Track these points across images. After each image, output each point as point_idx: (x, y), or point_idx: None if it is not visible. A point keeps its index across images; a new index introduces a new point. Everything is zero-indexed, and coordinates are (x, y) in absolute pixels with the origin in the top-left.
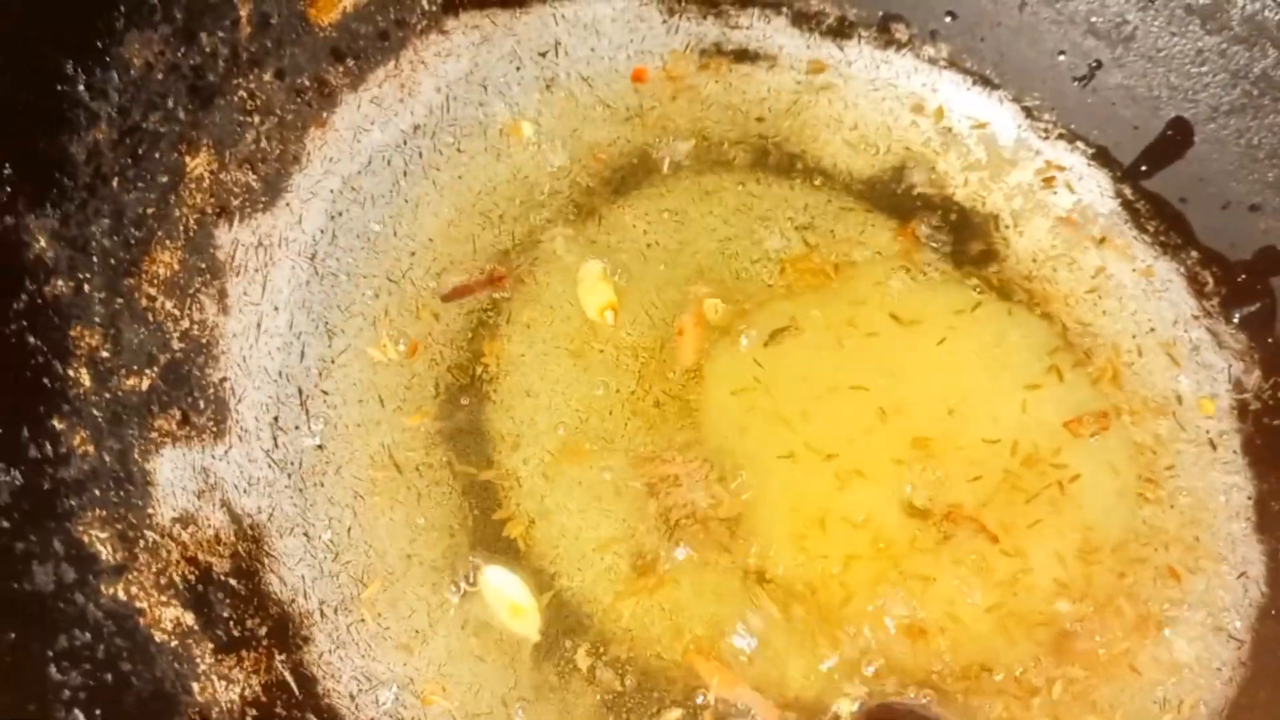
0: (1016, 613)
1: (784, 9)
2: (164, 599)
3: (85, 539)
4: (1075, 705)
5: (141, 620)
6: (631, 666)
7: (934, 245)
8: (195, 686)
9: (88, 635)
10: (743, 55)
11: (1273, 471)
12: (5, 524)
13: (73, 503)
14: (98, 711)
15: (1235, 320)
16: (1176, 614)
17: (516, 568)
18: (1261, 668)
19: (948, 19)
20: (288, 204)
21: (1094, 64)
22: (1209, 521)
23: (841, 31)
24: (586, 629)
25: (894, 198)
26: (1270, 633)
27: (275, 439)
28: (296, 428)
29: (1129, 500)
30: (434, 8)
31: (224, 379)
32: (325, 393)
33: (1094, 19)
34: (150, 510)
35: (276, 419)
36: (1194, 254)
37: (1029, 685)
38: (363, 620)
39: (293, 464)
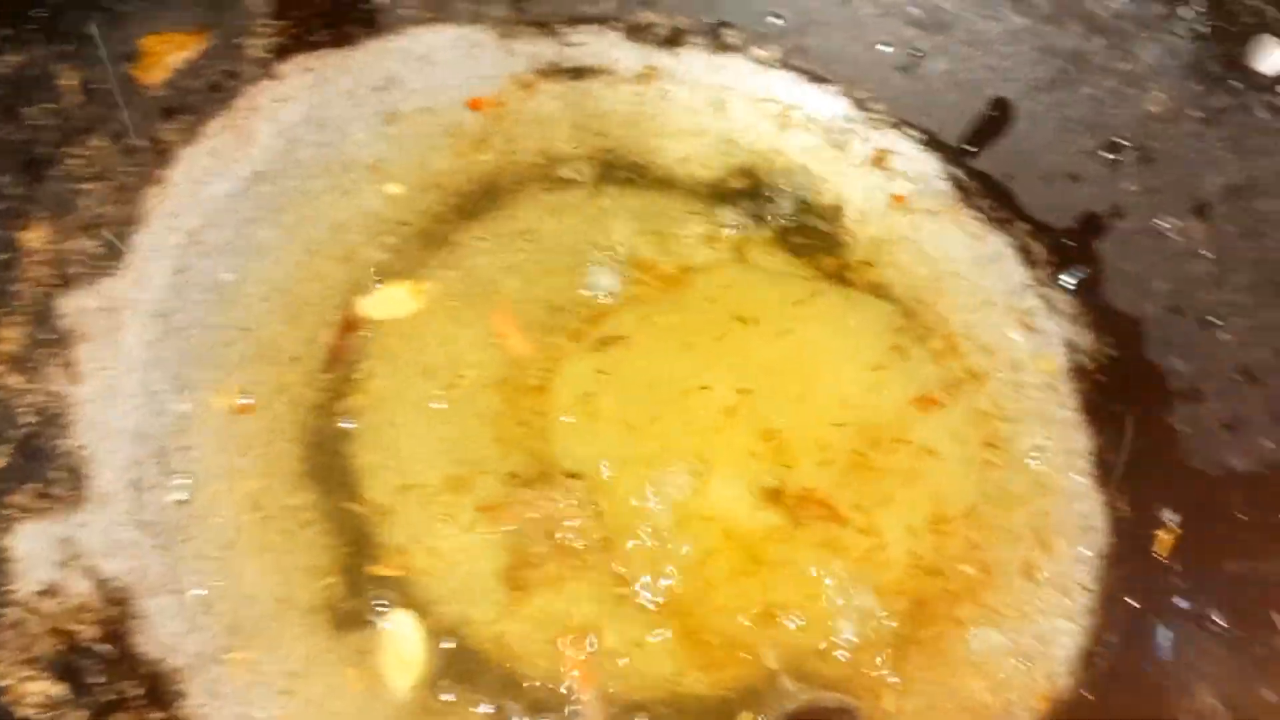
0: (872, 587)
1: (616, 23)
2: (30, 674)
3: None
4: (934, 665)
5: (5, 698)
6: (512, 684)
7: (777, 241)
8: None
9: None
10: (580, 72)
11: (1109, 426)
12: None
13: None
14: None
15: (1066, 286)
16: (1028, 570)
17: (395, 600)
18: (1109, 615)
19: (775, 20)
20: (132, 265)
21: (916, 53)
22: (1053, 479)
23: (674, 40)
24: (466, 652)
25: (736, 198)
26: (1115, 579)
27: (137, 500)
28: (158, 486)
29: (976, 467)
30: (264, 55)
31: (80, 446)
32: (185, 448)
33: (912, 9)
34: (11, 586)
35: (137, 480)
36: (1023, 226)
37: (888, 655)
38: (237, 669)
39: (157, 523)
